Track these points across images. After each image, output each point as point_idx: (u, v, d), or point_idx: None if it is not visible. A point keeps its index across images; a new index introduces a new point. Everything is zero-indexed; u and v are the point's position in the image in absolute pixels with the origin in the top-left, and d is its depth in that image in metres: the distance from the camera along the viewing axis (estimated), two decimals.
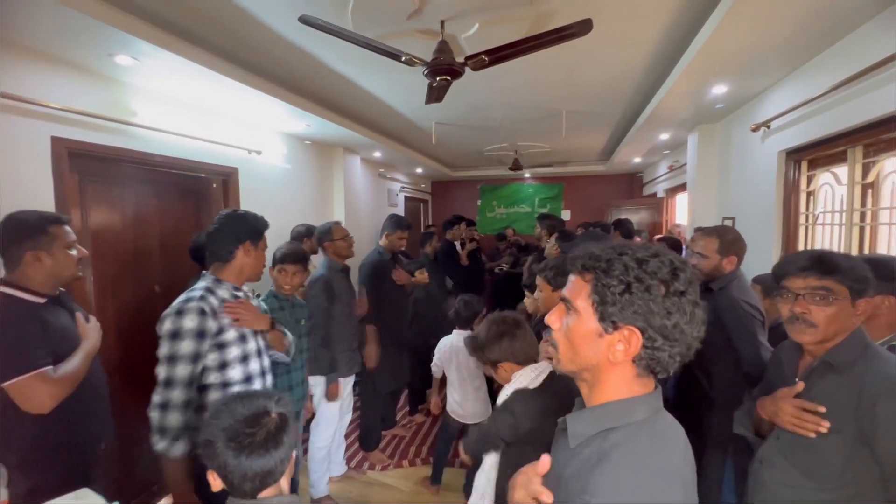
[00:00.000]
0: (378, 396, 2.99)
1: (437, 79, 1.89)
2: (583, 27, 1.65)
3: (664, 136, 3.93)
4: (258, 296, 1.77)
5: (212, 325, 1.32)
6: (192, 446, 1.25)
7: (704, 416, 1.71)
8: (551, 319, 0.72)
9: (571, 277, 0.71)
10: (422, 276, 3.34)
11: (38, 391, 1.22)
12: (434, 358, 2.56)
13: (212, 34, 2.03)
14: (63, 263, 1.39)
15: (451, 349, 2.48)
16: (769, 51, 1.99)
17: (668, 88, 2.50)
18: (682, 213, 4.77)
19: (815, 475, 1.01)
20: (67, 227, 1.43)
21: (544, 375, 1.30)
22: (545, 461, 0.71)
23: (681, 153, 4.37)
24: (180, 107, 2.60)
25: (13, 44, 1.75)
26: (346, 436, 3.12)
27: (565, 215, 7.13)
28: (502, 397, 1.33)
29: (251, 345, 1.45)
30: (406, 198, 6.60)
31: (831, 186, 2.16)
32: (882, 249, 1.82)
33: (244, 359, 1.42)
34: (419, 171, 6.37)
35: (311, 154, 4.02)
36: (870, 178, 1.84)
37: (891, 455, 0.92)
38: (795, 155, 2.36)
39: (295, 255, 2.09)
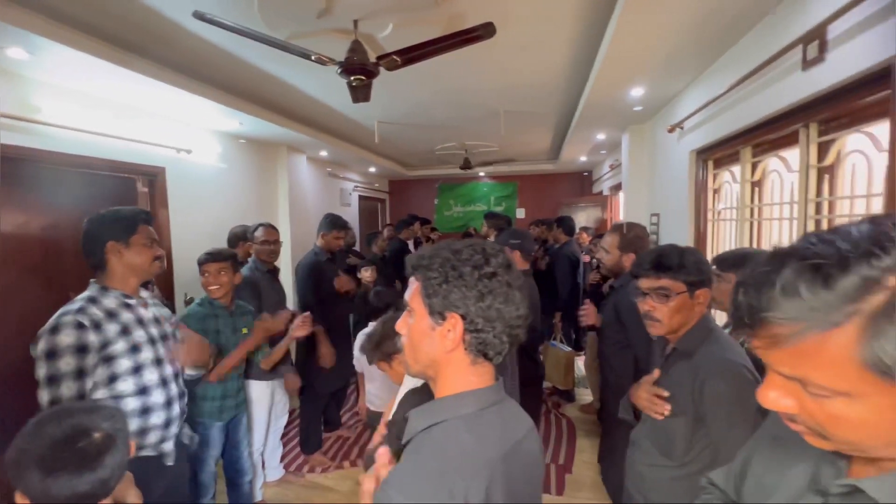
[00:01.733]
0: (319, 397, 2.97)
1: (353, 78, 1.90)
2: (487, 30, 1.70)
3: (601, 136, 4.09)
4: (189, 301, 1.71)
5: (93, 338, 1.24)
6: None
7: (608, 405, 1.81)
8: (399, 326, 0.74)
9: (410, 280, 0.73)
10: (366, 273, 3.34)
11: None
12: (354, 351, 2.59)
13: (117, 28, 1.95)
14: None
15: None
16: (672, 54, 2.11)
17: (589, 90, 2.61)
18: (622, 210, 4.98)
19: (669, 454, 1.09)
20: None
21: None
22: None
23: (619, 152, 4.56)
24: (95, 104, 2.47)
25: None
26: (287, 441, 3.08)
27: (520, 213, 7.29)
28: (398, 401, 1.33)
29: (145, 354, 1.38)
30: (360, 197, 6.55)
31: (730, 184, 2.32)
32: (767, 242, 1.97)
33: (136, 370, 1.35)
34: (373, 170, 6.33)
35: (250, 153, 3.92)
36: (756, 177, 1.99)
37: (717, 432, 1.01)
38: (703, 154, 2.52)
39: (213, 254, 2.01)
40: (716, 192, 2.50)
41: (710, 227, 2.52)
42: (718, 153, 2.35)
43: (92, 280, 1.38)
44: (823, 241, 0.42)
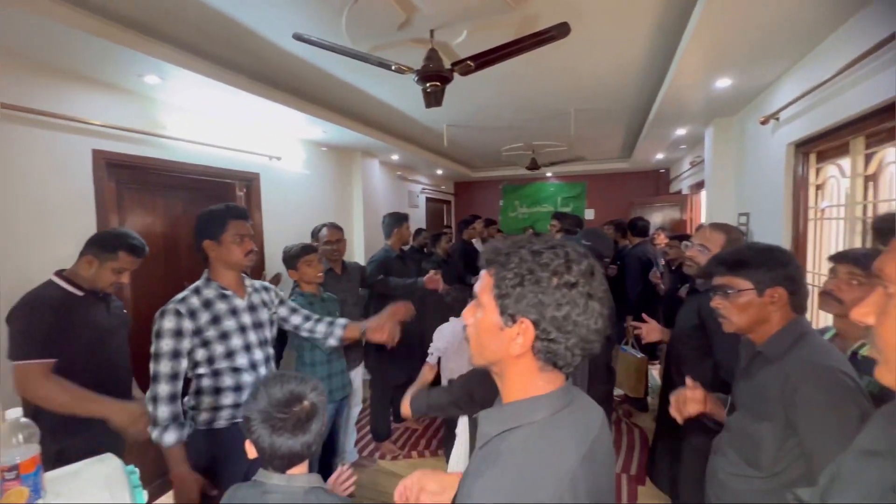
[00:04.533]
0: (388, 389, 3.13)
1: (428, 85, 2.00)
2: (561, 30, 1.70)
3: (681, 132, 3.84)
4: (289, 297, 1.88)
5: (188, 325, 1.44)
6: (181, 436, 1.41)
7: (684, 428, 1.70)
8: (466, 314, 0.74)
9: (481, 273, 0.71)
10: (434, 277, 3.46)
11: (28, 379, 1.40)
12: (432, 344, 2.68)
13: (226, 52, 2.23)
14: (101, 278, 1.60)
15: (450, 334, 2.63)
16: (765, 39, 1.95)
17: (669, 83, 2.48)
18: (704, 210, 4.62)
19: (755, 463, 1.03)
20: (129, 257, 1.63)
21: None
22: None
23: (702, 148, 4.24)
24: (204, 118, 2.85)
25: (58, 69, 2.02)
26: (359, 428, 3.28)
27: (589, 214, 7.04)
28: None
29: (235, 341, 1.53)
30: (427, 199, 6.74)
31: (836, 179, 2.08)
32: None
33: (229, 354, 1.51)
34: (439, 172, 6.49)
35: (330, 159, 4.23)
36: (870, 170, 1.77)
37: (811, 442, 0.93)
38: (804, 147, 2.28)
39: (308, 247, 2.20)
40: (818, 188, 2.25)
41: (812, 226, 2.28)
42: (823, 145, 2.12)
43: (206, 270, 1.60)
44: None
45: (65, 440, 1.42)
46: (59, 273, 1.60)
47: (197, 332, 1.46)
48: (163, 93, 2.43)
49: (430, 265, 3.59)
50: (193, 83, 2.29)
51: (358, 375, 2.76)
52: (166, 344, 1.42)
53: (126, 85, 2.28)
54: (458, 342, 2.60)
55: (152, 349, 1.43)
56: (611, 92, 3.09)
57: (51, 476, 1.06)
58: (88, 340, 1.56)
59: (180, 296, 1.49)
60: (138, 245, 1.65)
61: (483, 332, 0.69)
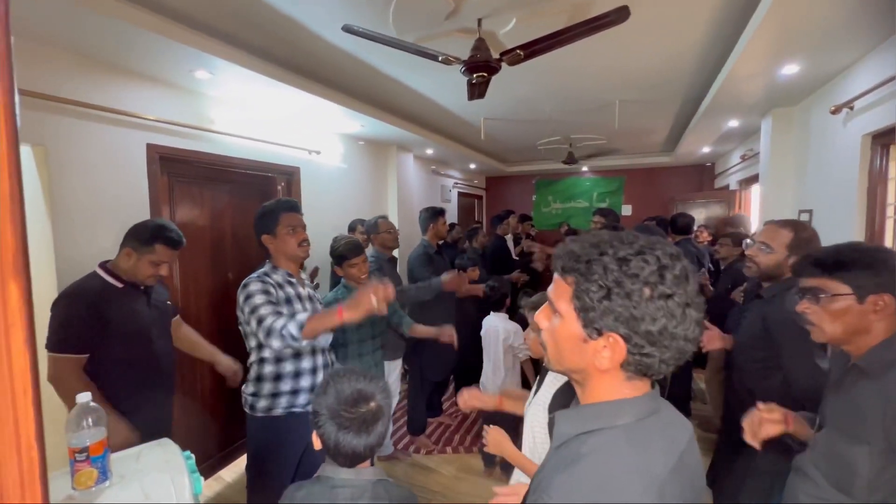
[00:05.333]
0: (426, 384, 3.12)
1: (475, 76, 1.95)
2: (620, 14, 1.61)
3: (733, 123, 3.62)
4: (316, 286, 1.95)
5: (273, 290, 1.54)
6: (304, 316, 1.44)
7: (733, 432, 1.58)
8: (539, 318, 0.70)
9: (556, 278, 0.66)
10: (473, 273, 3.42)
11: (59, 372, 1.40)
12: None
13: (272, 46, 2.25)
14: (139, 271, 1.58)
15: (486, 328, 2.83)
16: (844, 22, 1.78)
17: (729, 71, 2.32)
18: (757, 206, 4.36)
19: (846, 488, 0.93)
20: (166, 249, 1.60)
21: None
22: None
23: (755, 141, 3.99)
24: (249, 113, 2.90)
25: (114, 66, 2.09)
26: (394, 421, 3.30)
27: (626, 210, 6.80)
28: (545, 398, 1.27)
29: None
30: (460, 193, 6.69)
31: None
32: None
33: None
34: (472, 166, 6.42)
35: (366, 153, 4.25)
36: None
37: None
38: (882, 139, 2.09)
39: (358, 247, 2.18)
40: None
41: (891, 224, 2.09)
42: None
43: (267, 259, 1.68)
44: None
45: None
46: (104, 264, 1.60)
47: (277, 303, 1.53)
48: (211, 88, 2.48)
49: (464, 261, 3.56)
50: (241, 78, 2.32)
51: (396, 368, 2.77)
52: (259, 298, 1.49)
53: (178, 80, 2.34)
54: (486, 330, 2.76)
55: (246, 311, 1.49)
56: (661, 82, 2.93)
57: (114, 457, 1.10)
58: (127, 333, 1.56)
59: (254, 275, 1.58)
60: (175, 237, 1.62)
61: (562, 342, 0.65)
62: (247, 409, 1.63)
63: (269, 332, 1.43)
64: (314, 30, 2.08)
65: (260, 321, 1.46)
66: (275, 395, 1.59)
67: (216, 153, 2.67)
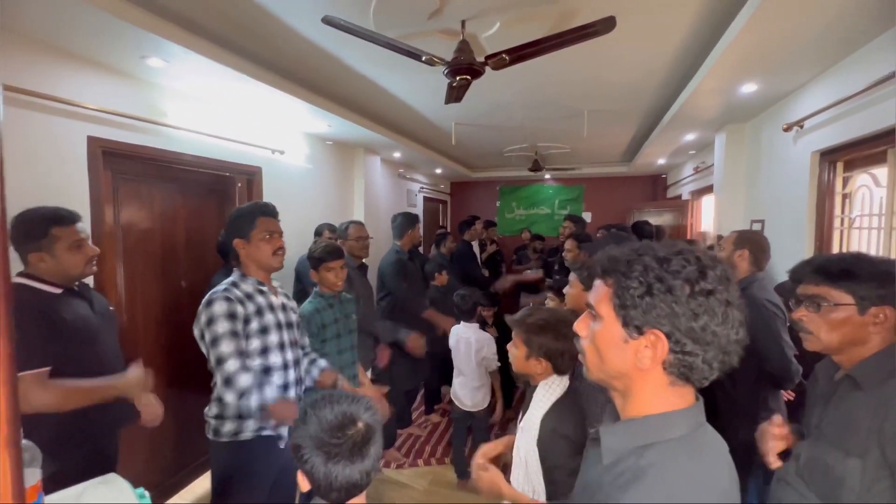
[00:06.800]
0: (397, 395, 3.01)
1: (457, 78, 1.89)
2: (606, 25, 1.62)
3: (690, 137, 3.83)
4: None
5: (239, 309, 1.40)
6: (261, 398, 1.35)
7: (728, 422, 1.65)
8: (579, 327, 0.70)
9: (596, 282, 0.67)
10: (441, 278, 3.39)
11: (26, 392, 1.20)
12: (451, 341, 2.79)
13: (238, 36, 2.08)
14: (68, 263, 1.38)
15: (456, 338, 2.73)
16: (802, 47, 1.91)
17: (695, 86, 2.43)
18: (708, 216, 4.64)
19: (833, 500, 0.92)
20: (75, 226, 1.40)
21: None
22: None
23: (707, 154, 4.24)
24: (207, 107, 2.67)
25: (51, 46, 1.84)
26: None
27: (586, 217, 7.03)
28: (533, 422, 1.20)
29: (272, 337, 1.49)
30: (425, 198, 6.62)
31: (869, 188, 2.06)
32: None
33: (263, 351, 1.46)
34: (438, 171, 6.38)
35: (333, 154, 4.08)
36: None
37: None
38: (830, 156, 2.26)
39: (336, 252, 2.03)
40: (845, 196, 2.24)
41: (838, 235, 2.26)
42: (853, 154, 2.10)
43: (235, 267, 1.54)
44: None
45: (58, 460, 1.27)
46: (26, 274, 1.36)
47: (246, 320, 1.41)
48: (166, 77, 2.26)
49: (432, 266, 3.50)
50: (201, 68, 2.12)
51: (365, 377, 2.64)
52: (222, 326, 1.35)
53: (127, 68, 2.10)
54: (456, 342, 2.71)
55: (206, 338, 1.36)
56: (629, 92, 3.03)
57: (51, 501, 0.93)
58: (77, 340, 1.37)
59: (220, 287, 1.43)
60: (65, 213, 1.40)
61: (603, 345, 0.65)
62: (210, 435, 1.46)
63: (227, 382, 1.34)
64: (286, 20, 1.94)
65: (219, 361, 1.36)
66: (242, 416, 1.44)
67: (169, 149, 2.43)
